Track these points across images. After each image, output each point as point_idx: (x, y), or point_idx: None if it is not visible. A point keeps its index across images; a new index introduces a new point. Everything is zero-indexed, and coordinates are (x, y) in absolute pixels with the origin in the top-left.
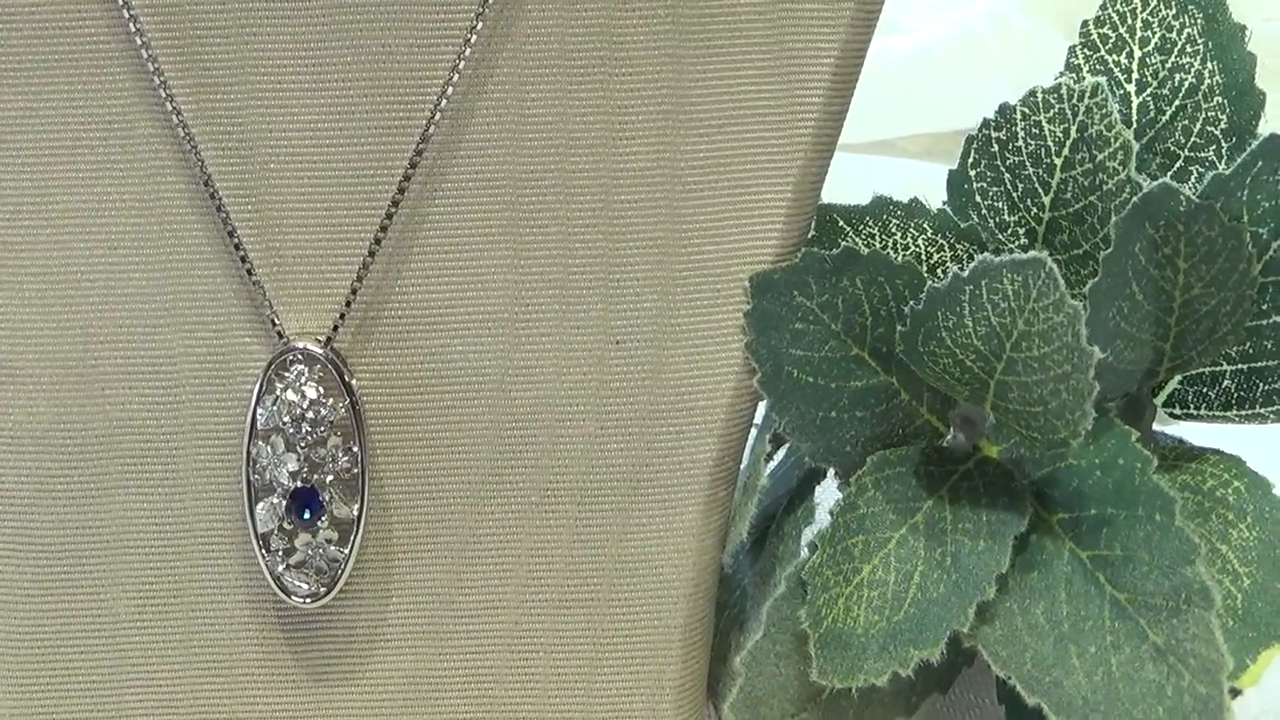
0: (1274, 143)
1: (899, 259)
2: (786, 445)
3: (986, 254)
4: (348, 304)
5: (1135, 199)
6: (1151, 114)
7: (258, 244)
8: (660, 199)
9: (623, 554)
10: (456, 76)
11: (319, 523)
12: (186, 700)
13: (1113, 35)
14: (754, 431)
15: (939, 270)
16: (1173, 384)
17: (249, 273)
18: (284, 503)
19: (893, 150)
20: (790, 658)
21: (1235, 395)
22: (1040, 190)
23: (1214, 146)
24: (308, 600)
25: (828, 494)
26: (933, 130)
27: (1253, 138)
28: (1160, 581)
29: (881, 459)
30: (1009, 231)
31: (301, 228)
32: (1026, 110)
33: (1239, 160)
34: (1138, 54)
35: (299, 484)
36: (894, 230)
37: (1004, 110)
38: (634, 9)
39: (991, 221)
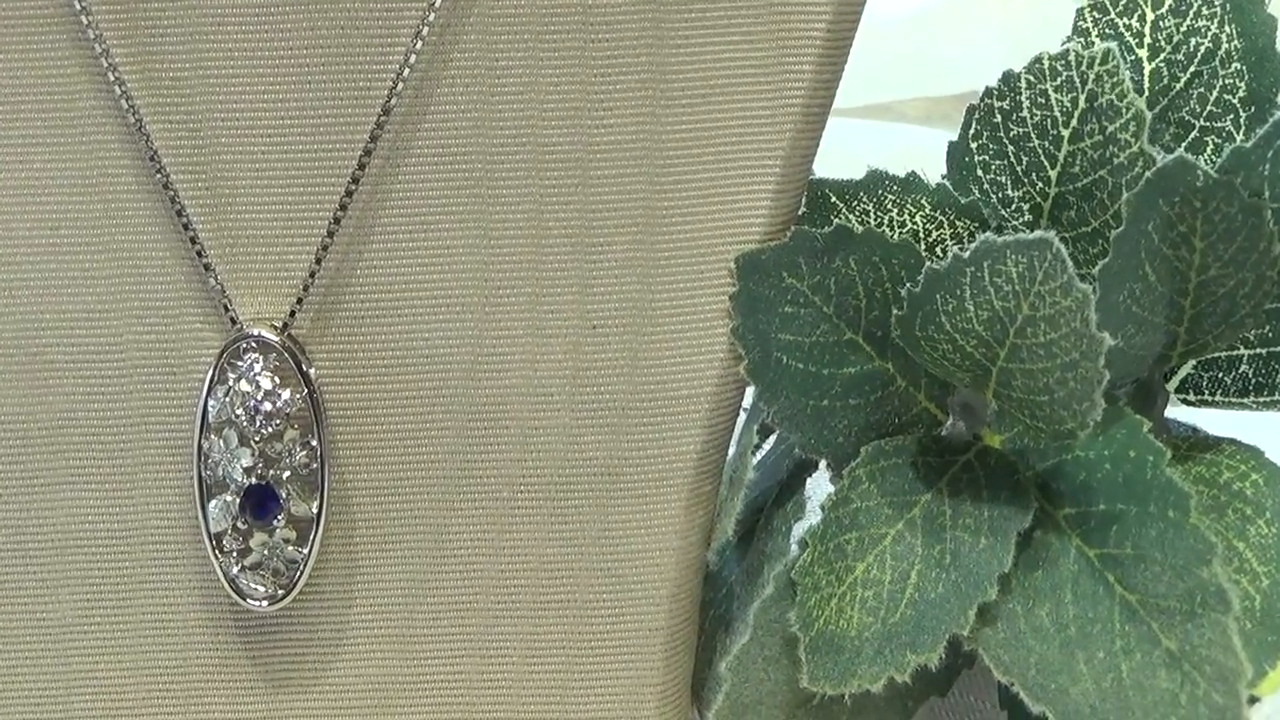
0: None
1: (895, 237)
2: (775, 435)
3: (989, 233)
4: (305, 288)
5: (1148, 173)
6: (1165, 81)
7: (209, 224)
8: (640, 174)
9: (600, 552)
10: (420, 43)
11: (276, 521)
12: (137, 708)
13: None
14: (741, 421)
15: (938, 249)
16: (1186, 369)
17: (200, 255)
18: (238, 500)
19: (889, 115)
20: (779, 662)
21: (1253, 381)
22: (1046, 164)
23: (1232, 116)
24: (265, 603)
25: (819, 487)
26: (931, 94)
27: (1274, 107)
28: (1174, 583)
29: (876, 449)
30: (1013, 208)
31: (255, 206)
32: (1032, 78)
33: (1259, 132)
34: (1150, 17)
35: (254, 480)
36: (890, 206)
37: (1008, 78)
38: None
39: (994, 197)
